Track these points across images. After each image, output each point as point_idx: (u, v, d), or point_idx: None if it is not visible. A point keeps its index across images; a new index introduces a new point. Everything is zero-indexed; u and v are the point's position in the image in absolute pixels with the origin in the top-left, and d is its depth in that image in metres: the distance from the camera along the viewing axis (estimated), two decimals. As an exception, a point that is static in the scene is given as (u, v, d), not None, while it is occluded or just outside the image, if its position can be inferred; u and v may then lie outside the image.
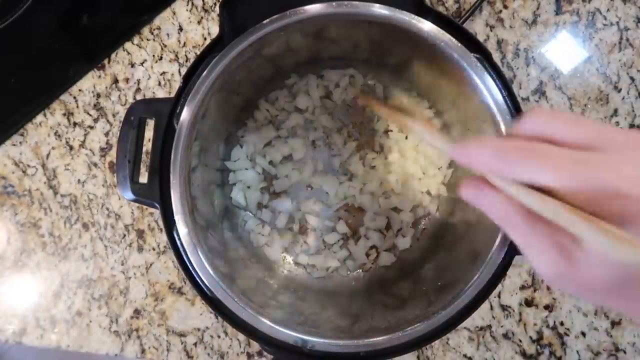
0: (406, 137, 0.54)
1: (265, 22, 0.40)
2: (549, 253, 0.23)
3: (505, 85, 0.39)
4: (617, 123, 0.54)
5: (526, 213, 0.23)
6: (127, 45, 0.58)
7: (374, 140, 0.55)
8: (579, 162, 0.21)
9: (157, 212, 0.56)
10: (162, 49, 0.57)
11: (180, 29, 0.57)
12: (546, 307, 0.53)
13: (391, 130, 0.54)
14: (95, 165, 0.57)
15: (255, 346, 0.55)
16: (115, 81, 0.58)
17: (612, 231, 0.20)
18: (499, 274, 0.39)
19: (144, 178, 0.42)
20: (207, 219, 0.46)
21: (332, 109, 0.55)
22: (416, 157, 0.54)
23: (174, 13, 0.58)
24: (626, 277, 0.21)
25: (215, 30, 0.57)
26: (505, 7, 0.55)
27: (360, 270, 0.54)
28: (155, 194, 0.41)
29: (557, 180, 0.21)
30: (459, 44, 0.39)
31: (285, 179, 0.55)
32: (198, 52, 0.51)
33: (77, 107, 0.58)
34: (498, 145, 0.23)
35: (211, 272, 0.40)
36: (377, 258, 0.54)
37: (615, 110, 0.54)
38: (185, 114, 0.40)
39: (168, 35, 0.57)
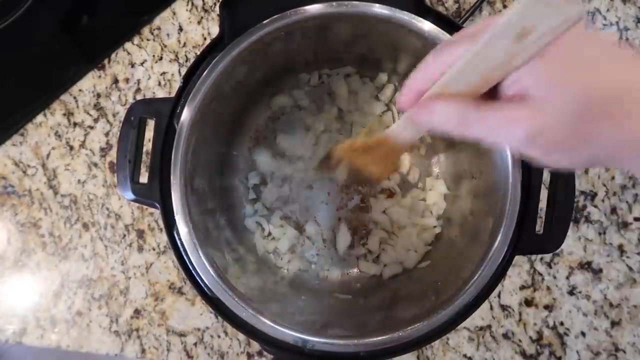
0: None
1: (265, 22, 0.40)
2: (515, 115, 0.25)
3: (505, 85, 0.39)
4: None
5: (474, 101, 0.26)
6: (127, 45, 0.58)
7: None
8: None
9: (157, 212, 0.56)
10: (162, 49, 0.57)
11: (180, 29, 0.57)
12: (546, 307, 0.53)
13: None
14: (96, 165, 0.57)
15: (255, 346, 0.55)
16: (115, 81, 0.58)
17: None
18: (499, 274, 0.39)
19: (144, 178, 0.42)
20: (207, 219, 0.46)
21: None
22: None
23: (174, 13, 0.58)
24: (587, 102, 0.23)
25: (215, 30, 0.57)
26: (506, 7, 0.55)
27: (361, 271, 0.54)
28: (155, 194, 0.41)
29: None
30: (459, 44, 0.39)
31: (285, 178, 0.55)
32: (198, 52, 0.51)
33: (77, 107, 0.58)
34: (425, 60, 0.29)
35: (211, 272, 0.40)
36: (378, 257, 0.54)
37: (615, 111, 0.54)
38: (186, 114, 0.40)
39: (168, 35, 0.58)
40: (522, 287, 0.54)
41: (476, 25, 0.27)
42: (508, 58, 0.24)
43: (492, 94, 0.27)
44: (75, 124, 0.58)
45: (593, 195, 0.54)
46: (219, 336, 0.56)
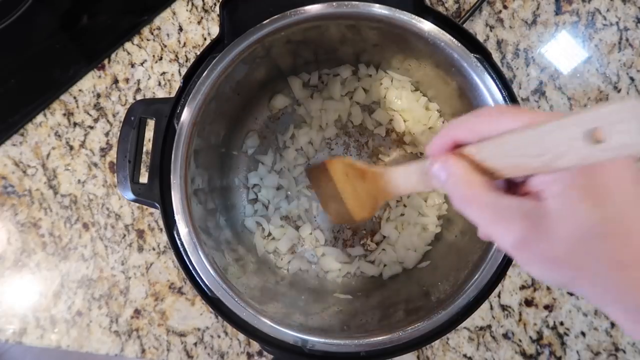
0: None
1: (265, 22, 0.40)
2: (514, 220, 0.24)
3: (505, 85, 0.39)
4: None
5: (490, 183, 0.25)
6: (127, 45, 0.58)
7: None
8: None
9: (157, 212, 0.56)
10: (162, 49, 0.57)
11: (180, 29, 0.57)
12: (546, 307, 0.53)
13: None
14: (95, 165, 0.57)
15: (255, 346, 0.55)
16: (115, 81, 0.58)
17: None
18: (499, 274, 0.39)
19: (144, 178, 0.42)
20: (207, 219, 0.46)
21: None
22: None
23: (174, 13, 0.58)
24: (590, 231, 0.23)
25: (215, 30, 0.57)
26: (505, 7, 0.55)
27: (361, 270, 0.54)
28: (155, 194, 0.41)
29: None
30: (459, 44, 0.39)
31: (285, 178, 0.55)
32: (198, 53, 0.51)
33: (77, 107, 0.58)
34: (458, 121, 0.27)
35: (211, 272, 0.40)
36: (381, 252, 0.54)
37: (615, 111, 0.54)
38: (186, 114, 0.40)
39: (168, 35, 0.58)
40: (522, 287, 0.54)
41: (547, 114, 0.25)
42: (559, 153, 0.22)
43: (510, 182, 0.26)
44: (75, 124, 0.58)
45: (593, 195, 0.54)
46: (219, 336, 0.56)
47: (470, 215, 0.26)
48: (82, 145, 0.58)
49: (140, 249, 0.56)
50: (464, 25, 0.50)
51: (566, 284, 0.25)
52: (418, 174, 0.32)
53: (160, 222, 0.55)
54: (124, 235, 0.57)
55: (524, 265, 0.25)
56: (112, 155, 0.57)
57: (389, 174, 0.36)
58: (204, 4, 0.57)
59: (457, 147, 0.27)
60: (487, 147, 0.25)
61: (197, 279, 0.40)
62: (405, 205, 0.54)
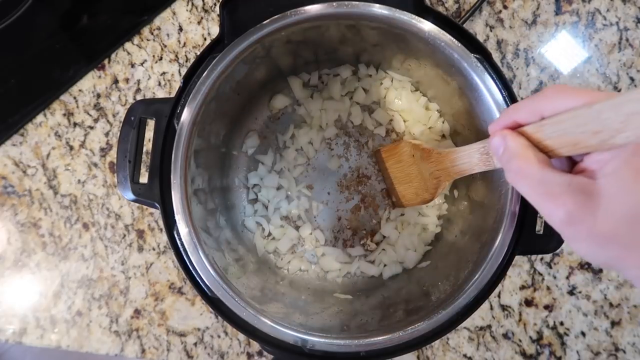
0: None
1: (265, 22, 0.40)
2: (565, 196, 0.24)
3: (505, 85, 0.39)
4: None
5: (545, 160, 0.26)
6: (127, 45, 0.58)
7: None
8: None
9: (157, 212, 0.56)
10: (162, 49, 0.57)
11: (180, 29, 0.57)
12: (546, 307, 0.53)
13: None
14: (95, 165, 0.57)
15: (255, 346, 0.55)
16: (115, 81, 0.58)
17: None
18: (499, 274, 0.39)
19: (144, 178, 0.42)
20: (207, 219, 0.46)
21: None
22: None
23: (174, 13, 0.58)
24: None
25: (215, 31, 0.57)
26: (505, 7, 0.55)
27: (361, 270, 0.54)
28: (155, 194, 0.41)
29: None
30: (459, 44, 0.39)
31: (284, 178, 0.55)
32: (198, 53, 0.51)
33: (77, 107, 0.58)
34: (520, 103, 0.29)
35: (211, 272, 0.40)
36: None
37: (615, 111, 0.54)
38: (186, 115, 0.40)
39: (168, 35, 0.58)
40: (522, 287, 0.54)
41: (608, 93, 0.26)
42: (617, 129, 0.23)
43: (563, 161, 0.27)
44: (75, 124, 0.58)
45: (593, 195, 0.54)
46: (219, 336, 0.56)
47: (522, 190, 0.27)
48: (82, 145, 0.58)
49: (140, 249, 0.56)
50: (464, 25, 0.50)
51: (612, 264, 0.25)
52: (480, 153, 0.34)
53: (160, 222, 0.55)
54: (124, 235, 0.57)
55: (571, 242, 0.26)
56: (112, 155, 0.57)
57: (454, 154, 0.37)
58: (204, 4, 0.57)
59: (517, 127, 0.28)
60: (545, 126, 0.26)
61: (197, 279, 0.40)
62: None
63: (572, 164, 0.28)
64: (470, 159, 0.36)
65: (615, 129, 0.22)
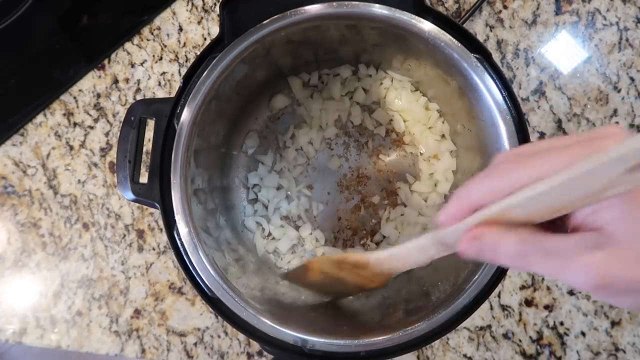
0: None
1: (265, 22, 0.40)
2: (584, 258, 0.21)
3: (505, 85, 0.39)
4: (617, 123, 0.54)
5: (537, 231, 0.23)
6: (127, 45, 0.58)
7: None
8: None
9: (157, 212, 0.56)
10: (162, 49, 0.57)
11: (180, 29, 0.57)
12: (546, 307, 0.53)
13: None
14: (95, 165, 0.57)
15: (255, 346, 0.55)
16: (115, 81, 0.58)
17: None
18: (499, 274, 0.39)
19: (144, 178, 0.42)
20: (207, 219, 0.46)
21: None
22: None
23: (174, 13, 0.58)
24: None
25: (215, 30, 0.57)
26: (505, 7, 0.55)
27: (360, 270, 0.54)
28: (155, 194, 0.41)
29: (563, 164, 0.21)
30: (459, 44, 0.39)
31: (284, 178, 0.55)
32: (198, 53, 0.51)
33: (77, 107, 0.58)
34: (476, 180, 0.24)
35: (211, 272, 0.40)
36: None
37: (615, 111, 0.54)
38: (186, 115, 0.40)
39: (168, 35, 0.58)
40: (522, 287, 0.54)
41: (564, 138, 0.23)
42: (607, 186, 0.20)
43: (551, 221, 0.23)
44: (75, 124, 0.58)
45: (593, 195, 0.54)
46: (219, 336, 0.56)
47: (536, 270, 0.23)
48: (82, 145, 0.58)
49: (140, 249, 0.56)
50: (464, 25, 0.50)
51: None
52: (436, 246, 0.29)
53: (160, 222, 0.55)
54: (124, 235, 0.57)
55: (618, 303, 0.23)
56: (112, 155, 0.57)
57: (397, 257, 0.32)
58: (204, 4, 0.57)
59: (473, 212, 0.24)
60: (516, 204, 0.22)
61: (197, 279, 0.40)
62: (405, 205, 0.54)
63: (559, 222, 0.24)
64: (425, 253, 0.30)
65: (600, 189, 0.20)
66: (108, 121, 0.57)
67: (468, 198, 0.25)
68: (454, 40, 0.39)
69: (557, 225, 0.24)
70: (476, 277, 0.39)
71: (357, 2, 0.40)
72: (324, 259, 0.40)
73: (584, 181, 0.20)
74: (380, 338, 0.39)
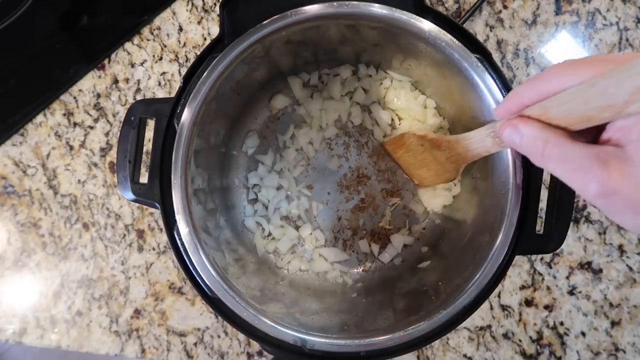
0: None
1: (265, 22, 0.40)
2: (595, 167, 0.24)
3: (505, 85, 0.39)
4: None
5: (566, 136, 0.26)
6: (127, 45, 0.58)
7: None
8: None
9: (157, 212, 0.56)
10: (162, 49, 0.57)
11: (180, 29, 0.57)
12: (546, 307, 0.53)
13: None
14: (95, 165, 0.57)
15: (255, 346, 0.55)
16: (115, 81, 0.58)
17: None
18: (499, 274, 0.39)
19: (144, 178, 0.42)
20: (207, 219, 0.46)
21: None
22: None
23: (174, 13, 0.58)
24: None
25: (215, 30, 0.57)
26: (505, 7, 0.55)
27: (361, 270, 0.54)
28: (155, 194, 0.41)
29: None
30: (460, 44, 0.39)
31: (285, 178, 0.55)
32: (198, 53, 0.51)
33: (77, 107, 0.58)
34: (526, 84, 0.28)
35: (211, 272, 0.40)
36: (378, 255, 0.54)
37: (615, 111, 0.54)
38: (186, 115, 0.40)
39: (168, 35, 0.58)
40: (522, 287, 0.54)
41: (612, 56, 0.25)
42: (628, 101, 0.22)
43: (587, 132, 0.26)
44: (75, 124, 0.58)
45: (593, 195, 0.54)
46: (219, 336, 0.56)
47: (552, 170, 0.26)
48: (82, 145, 0.58)
49: (140, 249, 0.56)
50: (464, 25, 0.50)
51: None
52: (491, 137, 0.34)
53: (160, 222, 0.55)
54: (124, 235, 0.57)
55: (612, 215, 0.25)
56: (112, 155, 0.57)
57: (465, 140, 0.37)
58: (204, 4, 0.57)
59: (523, 109, 0.28)
60: (551, 108, 0.26)
61: (197, 279, 0.40)
62: (405, 206, 0.54)
63: (596, 133, 0.27)
64: (484, 143, 0.36)
65: (625, 102, 0.22)
66: (108, 121, 0.57)
67: (520, 96, 0.28)
68: (454, 40, 0.39)
69: (593, 138, 0.26)
70: (476, 277, 0.39)
71: (357, 2, 0.40)
72: (410, 134, 0.47)
73: (606, 90, 0.22)
74: (380, 338, 0.39)
